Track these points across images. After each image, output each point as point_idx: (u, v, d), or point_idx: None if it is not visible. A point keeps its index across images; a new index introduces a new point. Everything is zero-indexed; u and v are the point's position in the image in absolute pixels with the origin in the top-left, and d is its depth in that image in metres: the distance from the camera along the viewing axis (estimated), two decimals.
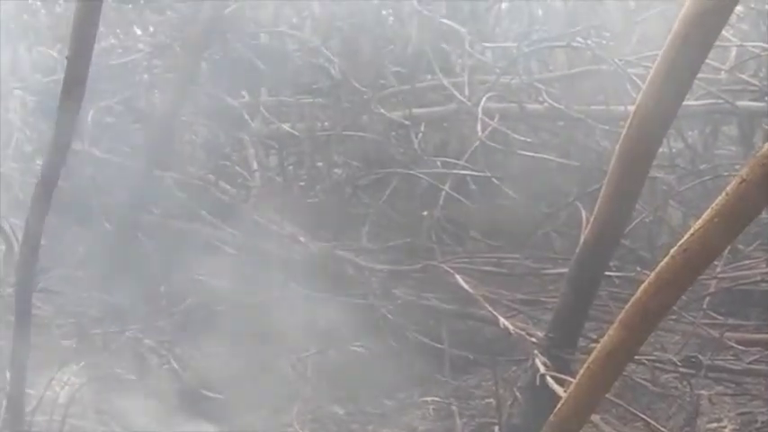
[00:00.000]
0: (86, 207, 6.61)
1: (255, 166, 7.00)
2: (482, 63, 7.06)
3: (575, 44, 6.66)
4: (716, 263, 5.32)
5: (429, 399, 5.47)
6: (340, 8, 7.23)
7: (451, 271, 5.64)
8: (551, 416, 3.46)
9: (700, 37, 3.95)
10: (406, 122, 6.90)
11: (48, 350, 5.13)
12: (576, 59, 6.93)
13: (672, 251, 3.01)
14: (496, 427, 4.89)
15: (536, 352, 4.53)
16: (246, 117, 7.10)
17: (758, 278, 5.58)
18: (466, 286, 5.44)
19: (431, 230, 6.35)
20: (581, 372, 3.36)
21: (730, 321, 5.45)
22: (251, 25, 7.36)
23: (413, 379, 5.68)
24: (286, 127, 7.09)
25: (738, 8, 5.84)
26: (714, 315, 5.46)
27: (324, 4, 7.31)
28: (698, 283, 5.03)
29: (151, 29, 7.60)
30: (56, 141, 3.88)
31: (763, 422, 4.86)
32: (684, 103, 4.33)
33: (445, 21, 7.07)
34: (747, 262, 5.73)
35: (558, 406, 3.46)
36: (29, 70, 7.33)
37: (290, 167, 7.29)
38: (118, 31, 7.46)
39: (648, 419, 4.24)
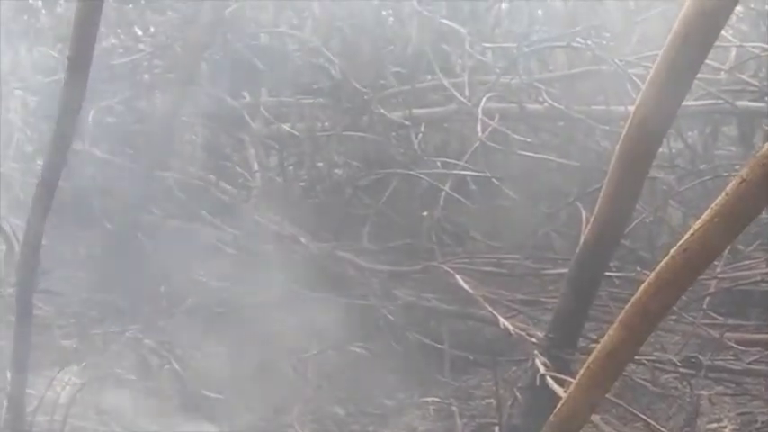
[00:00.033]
0: (87, 207, 6.61)
1: (256, 166, 7.00)
2: (482, 63, 7.07)
3: (575, 44, 6.66)
4: (716, 263, 5.32)
5: (429, 399, 5.47)
6: (340, 8, 7.24)
7: (452, 271, 5.64)
8: (551, 416, 3.46)
9: (700, 37, 3.95)
10: (407, 123, 6.91)
11: (49, 350, 5.14)
12: (576, 60, 6.93)
13: (672, 251, 3.01)
14: (497, 428, 4.89)
15: (536, 352, 4.53)
16: (247, 117, 7.10)
17: (758, 278, 5.58)
18: (466, 286, 5.45)
19: (431, 231, 6.35)
20: (581, 372, 3.36)
21: (730, 321, 5.46)
22: (251, 25, 7.37)
23: (413, 379, 5.68)
24: (286, 127, 7.09)
25: (738, 9, 5.84)
26: (714, 315, 5.47)
27: (324, 4, 7.32)
28: (698, 284, 5.03)
29: (152, 29, 7.60)
30: (56, 142, 3.89)
31: (763, 422, 4.86)
32: (684, 103, 4.33)
33: (445, 21, 7.07)
34: (747, 262, 5.73)
35: (559, 406, 3.46)
36: (30, 70, 7.34)
37: (291, 168, 7.29)
38: (119, 31, 7.47)
39: (648, 420, 4.24)
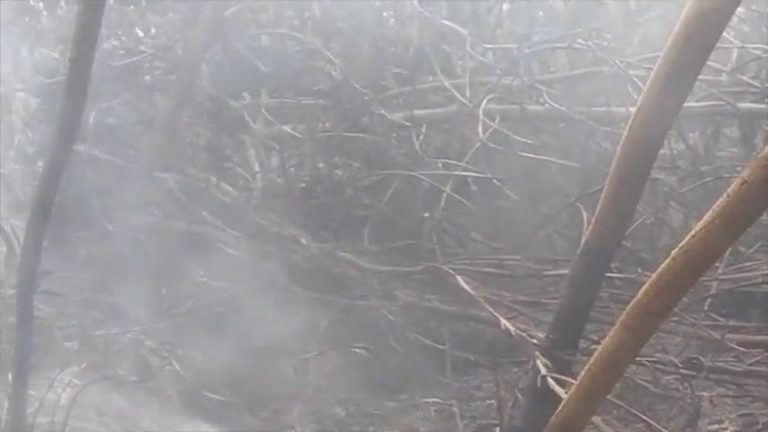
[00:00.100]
0: (88, 208, 6.61)
1: (257, 167, 7.00)
2: (483, 64, 7.06)
3: (576, 45, 6.66)
4: (717, 264, 5.32)
5: (430, 400, 5.48)
6: (341, 9, 7.23)
7: (452, 272, 5.64)
8: (553, 417, 3.46)
9: (701, 38, 3.94)
10: (407, 124, 6.91)
11: (49, 352, 5.14)
12: (577, 61, 6.93)
13: (673, 253, 3.01)
14: (498, 429, 4.89)
15: (537, 353, 4.52)
16: (248, 118, 7.10)
17: (759, 280, 5.58)
18: (467, 288, 5.45)
19: (432, 232, 6.36)
20: (582, 373, 3.36)
21: (731, 323, 5.46)
22: (252, 27, 7.37)
23: (414, 380, 5.68)
24: (287, 128, 7.09)
25: (739, 10, 5.84)
26: (715, 317, 5.47)
27: (325, 5, 7.32)
28: (699, 285, 5.04)
29: (153, 30, 7.61)
30: (58, 143, 3.89)
31: (764, 423, 4.86)
32: (685, 104, 4.33)
33: (446, 22, 7.07)
34: (749, 264, 5.73)
35: (560, 407, 3.46)
36: (31, 72, 7.34)
37: (292, 169, 7.29)
38: (120, 32, 7.47)
39: (650, 421, 4.24)
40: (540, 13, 7.50)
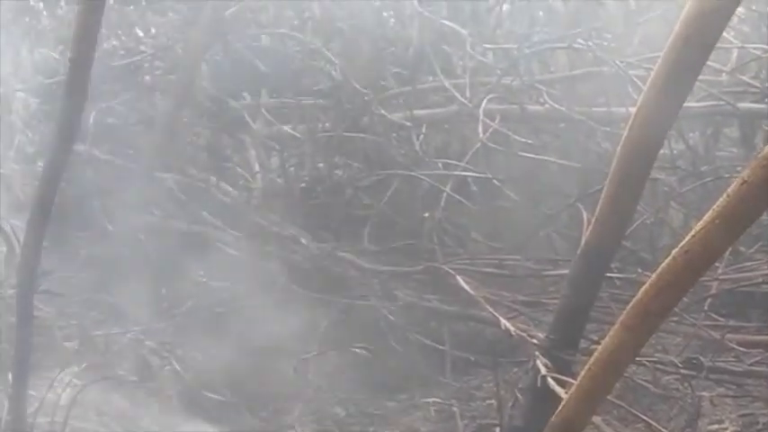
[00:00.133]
0: (88, 208, 6.61)
1: (257, 167, 7.00)
2: (483, 64, 7.06)
3: (576, 46, 6.66)
4: (717, 264, 5.32)
5: (430, 400, 5.48)
6: (341, 9, 7.23)
7: (453, 272, 5.64)
8: (553, 417, 3.46)
9: (701, 38, 3.94)
10: (408, 124, 6.91)
11: (49, 352, 5.14)
12: (577, 61, 6.93)
13: (673, 253, 3.01)
14: (498, 429, 4.89)
15: (537, 353, 4.52)
16: (248, 118, 7.10)
17: (759, 280, 5.58)
18: (467, 288, 5.45)
19: (432, 232, 6.36)
20: (582, 373, 3.36)
21: (731, 323, 5.46)
22: (252, 27, 7.37)
23: (414, 380, 5.68)
24: (287, 128, 7.09)
25: (740, 10, 5.84)
26: (715, 317, 5.47)
27: (325, 5, 7.31)
28: (699, 285, 5.04)
29: (153, 30, 7.60)
30: (58, 143, 3.89)
31: (764, 423, 4.86)
32: (685, 104, 4.33)
33: (446, 22, 7.07)
34: (749, 264, 5.73)
35: (560, 407, 3.46)
36: (31, 72, 7.34)
37: (292, 169, 7.29)
38: (120, 32, 7.47)
39: (650, 421, 4.24)
40: (540, 13, 7.50)
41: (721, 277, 5.49)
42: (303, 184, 7.14)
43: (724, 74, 6.49)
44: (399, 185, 6.73)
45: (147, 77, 7.38)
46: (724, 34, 4.69)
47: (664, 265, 3.05)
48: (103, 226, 6.63)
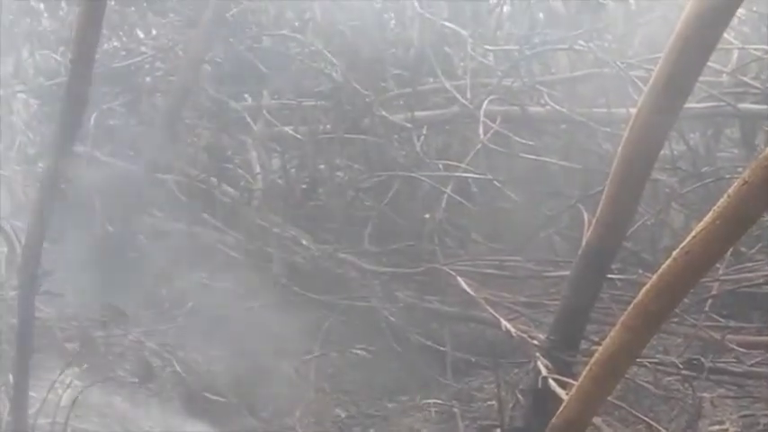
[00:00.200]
0: (89, 209, 6.61)
1: (258, 168, 7.00)
2: (484, 66, 7.06)
3: (576, 47, 6.66)
4: (718, 265, 5.32)
5: (431, 401, 5.48)
6: (342, 11, 7.24)
7: (453, 274, 5.64)
8: (554, 418, 3.46)
9: (701, 40, 3.95)
10: (408, 125, 6.91)
11: (50, 353, 5.14)
12: (577, 62, 6.93)
13: (674, 253, 3.01)
14: (498, 430, 4.89)
15: (538, 354, 4.53)
16: (249, 120, 7.11)
17: (760, 281, 5.58)
18: (468, 289, 5.45)
19: (433, 233, 6.35)
20: (583, 374, 3.36)
21: (732, 324, 5.46)
22: (253, 28, 7.37)
23: (415, 382, 5.68)
24: (288, 130, 7.09)
25: (740, 11, 5.84)
26: (716, 317, 5.47)
27: (325, 6, 7.32)
28: (700, 286, 5.04)
29: (154, 32, 7.61)
30: (58, 144, 3.89)
31: (765, 424, 4.86)
32: (686, 105, 4.34)
33: (447, 24, 7.07)
34: (750, 264, 5.73)
35: (561, 408, 3.46)
36: (32, 73, 7.34)
37: (293, 170, 7.29)
38: (121, 33, 7.47)
39: (650, 422, 4.24)
40: (541, 14, 7.50)
41: (722, 278, 5.49)
42: (304, 186, 7.15)
43: (725, 75, 6.50)
44: (400, 187, 6.74)
45: (148, 79, 7.38)
46: (724, 35, 4.70)
47: (664, 266, 3.05)
48: (104, 227, 6.64)
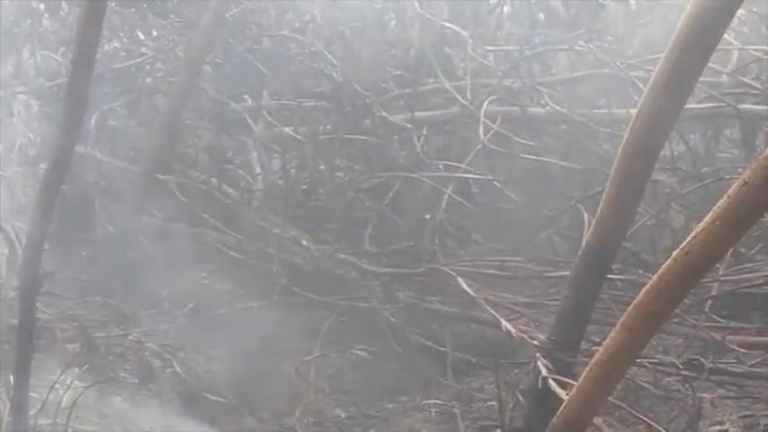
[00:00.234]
0: (89, 210, 6.62)
1: (258, 169, 7.01)
2: (484, 66, 7.07)
3: (577, 47, 6.66)
4: (718, 266, 5.32)
5: (431, 402, 5.48)
6: (342, 12, 7.24)
7: (454, 274, 5.64)
8: (554, 418, 3.46)
9: (701, 40, 3.95)
10: (409, 126, 6.91)
11: (51, 354, 5.14)
12: (578, 63, 6.93)
13: (674, 254, 3.01)
14: (499, 430, 4.89)
15: (538, 355, 4.53)
16: (249, 121, 7.11)
17: (761, 281, 5.57)
18: (468, 289, 5.45)
19: (433, 234, 6.35)
20: (583, 374, 3.36)
21: (732, 324, 5.46)
22: (253, 29, 7.37)
23: (415, 382, 5.68)
24: (288, 130, 7.10)
25: (740, 11, 5.84)
26: (716, 318, 5.47)
27: (326, 7, 7.32)
28: (700, 286, 5.04)
29: (154, 33, 7.61)
30: (59, 145, 3.89)
31: (765, 425, 4.86)
32: (686, 106, 4.34)
33: (447, 24, 7.08)
34: (750, 265, 5.73)
35: (561, 409, 3.46)
36: (33, 74, 7.35)
37: (293, 171, 7.30)
38: (121, 34, 7.48)
39: (650, 422, 4.23)
40: (541, 15, 7.50)
41: (722, 278, 5.49)
42: (304, 186, 7.15)
43: (725, 75, 6.50)
44: (401, 187, 6.74)
45: (149, 79, 7.39)
46: (724, 36, 4.70)
47: (665, 266, 3.05)
48: (105, 227, 6.64)
